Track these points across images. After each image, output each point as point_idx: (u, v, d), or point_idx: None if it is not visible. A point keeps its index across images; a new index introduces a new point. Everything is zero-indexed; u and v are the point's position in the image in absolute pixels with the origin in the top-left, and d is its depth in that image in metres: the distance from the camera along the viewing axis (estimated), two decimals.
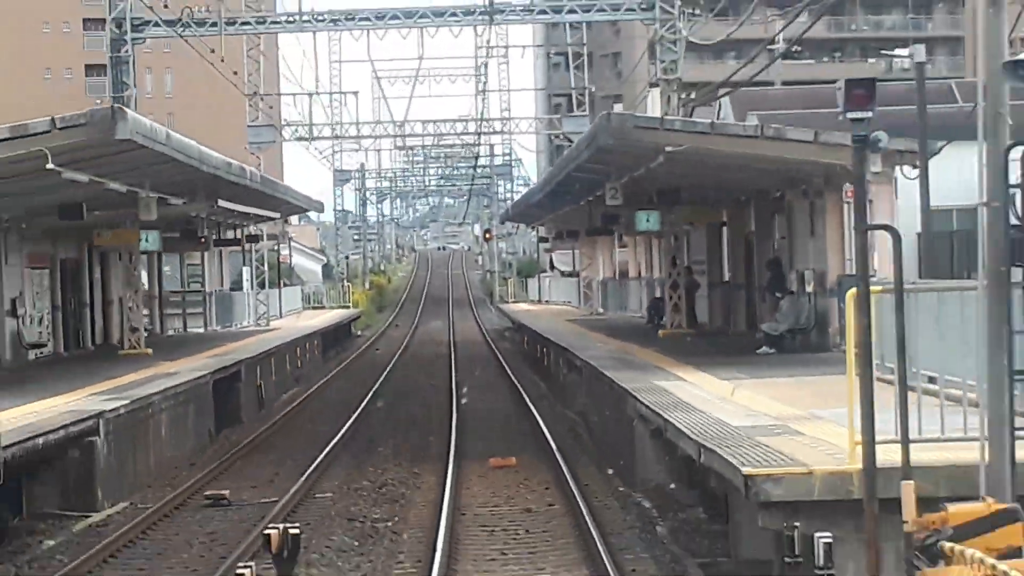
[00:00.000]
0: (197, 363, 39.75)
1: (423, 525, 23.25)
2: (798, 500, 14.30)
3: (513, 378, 50.91)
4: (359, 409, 41.50)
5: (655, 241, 56.68)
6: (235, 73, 60.12)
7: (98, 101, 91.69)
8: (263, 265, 72.49)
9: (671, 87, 45.30)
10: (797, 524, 13.92)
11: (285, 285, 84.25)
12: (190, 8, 45.15)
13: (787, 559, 13.97)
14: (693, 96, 44.65)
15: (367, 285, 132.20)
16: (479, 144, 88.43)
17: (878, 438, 13.81)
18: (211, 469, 30.23)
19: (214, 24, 45.60)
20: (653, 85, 47.25)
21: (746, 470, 14.65)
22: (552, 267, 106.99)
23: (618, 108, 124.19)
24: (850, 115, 13.65)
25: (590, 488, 26.08)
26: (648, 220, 42.24)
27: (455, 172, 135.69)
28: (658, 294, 53.90)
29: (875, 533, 13.60)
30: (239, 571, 15.57)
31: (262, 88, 66.51)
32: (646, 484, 25.04)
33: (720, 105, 50.98)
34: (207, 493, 26.54)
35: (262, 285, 72.45)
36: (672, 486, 24.02)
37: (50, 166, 28.64)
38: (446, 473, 27.86)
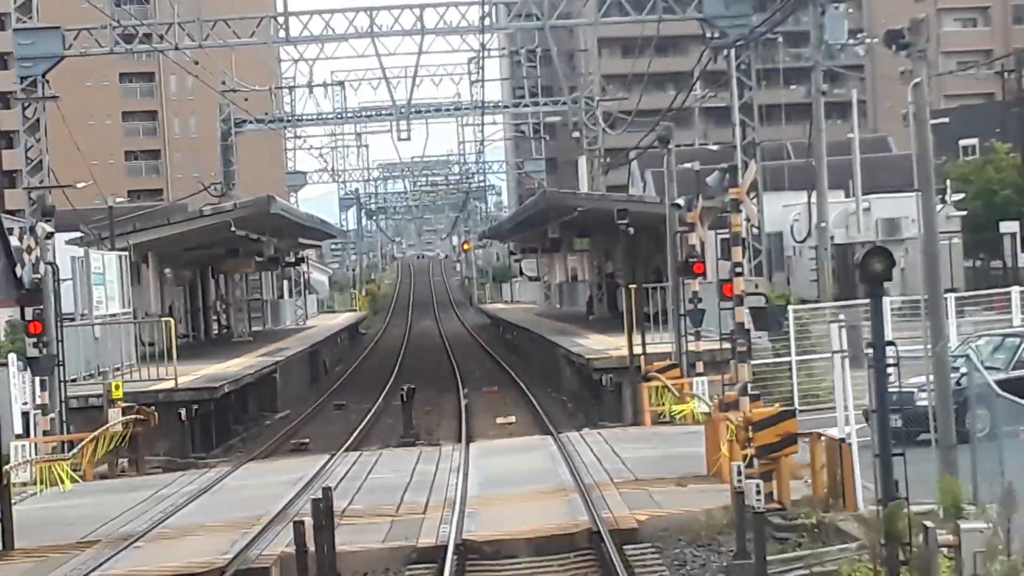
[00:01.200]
0: (291, 343, 62.37)
1: (452, 411, 46.06)
2: (606, 367, 37.44)
3: (491, 351, 73.81)
4: (394, 371, 64.18)
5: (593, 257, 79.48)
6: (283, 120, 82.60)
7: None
8: (300, 279, 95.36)
9: (594, 155, 68.30)
10: (603, 375, 36.88)
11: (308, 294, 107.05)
12: (281, 112, 68.26)
13: (600, 387, 37.02)
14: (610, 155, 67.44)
15: (364, 292, 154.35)
16: (467, 177, 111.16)
17: (637, 343, 36.86)
18: (323, 399, 52.97)
19: (286, 120, 68.77)
20: (581, 154, 70.37)
21: (588, 356, 38.01)
22: (521, 273, 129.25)
23: (576, 135, 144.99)
24: (618, 221, 36.55)
25: (538, 396, 48.85)
26: (581, 243, 65.42)
27: (437, 191, 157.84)
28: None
29: (633, 377, 36.63)
30: (402, 391, 38.33)
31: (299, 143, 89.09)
32: (566, 391, 48.06)
33: (630, 165, 73.61)
34: (334, 403, 49.46)
35: (299, 294, 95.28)
36: (575, 389, 47.03)
37: (233, 229, 51.39)
38: (459, 395, 50.53)
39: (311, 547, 19.05)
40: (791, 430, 21.23)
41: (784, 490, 21.47)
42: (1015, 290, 36.26)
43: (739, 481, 19.00)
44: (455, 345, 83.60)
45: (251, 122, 68.31)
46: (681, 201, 35.74)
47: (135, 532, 23.42)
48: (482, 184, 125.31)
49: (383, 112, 69.19)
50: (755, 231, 45.24)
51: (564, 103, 69.50)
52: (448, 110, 70.83)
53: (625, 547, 20.02)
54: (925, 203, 19.88)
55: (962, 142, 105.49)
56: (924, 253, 20.09)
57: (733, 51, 45.70)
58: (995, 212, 66.67)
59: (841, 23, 52.46)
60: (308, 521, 19.43)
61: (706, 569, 18.94)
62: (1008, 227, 54.59)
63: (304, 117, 69.89)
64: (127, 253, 46.15)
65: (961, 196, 70.87)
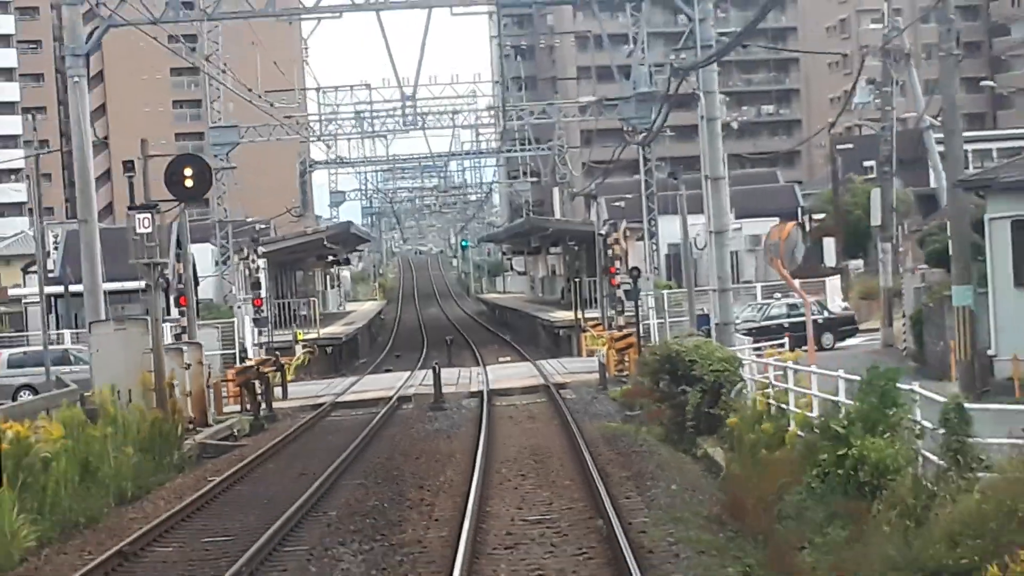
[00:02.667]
0: (351, 320, 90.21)
1: (472, 357, 74.01)
2: (563, 326, 65.86)
3: (489, 328, 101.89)
4: (424, 339, 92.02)
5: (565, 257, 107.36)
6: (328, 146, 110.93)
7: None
8: (338, 274, 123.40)
9: (566, 187, 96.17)
10: (560, 330, 64.83)
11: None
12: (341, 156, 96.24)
13: (559, 338, 65.09)
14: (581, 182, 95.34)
15: (377, 285, 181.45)
16: (465, 191, 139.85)
17: (581, 312, 64.98)
18: (384, 353, 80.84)
19: (345, 161, 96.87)
20: (556, 185, 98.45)
21: (552, 320, 66.45)
22: (511, 268, 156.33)
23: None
24: (569, 242, 64.54)
25: (523, 347, 76.58)
26: (556, 249, 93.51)
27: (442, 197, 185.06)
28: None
29: (578, 333, 64.69)
30: (447, 338, 66.28)
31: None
32: (540, 344, 76.30)
33: (596, 194, 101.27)
34: (395, 355, 77.52)
35: (336, 286, 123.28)
36: (547, 344, 75.10)
37: (325, 243, 79.24)
38: (475, 352, 78.32)
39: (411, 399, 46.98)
40: (632, 342, 49.24)
41: (631, 368, 49.33)
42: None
43: (603, 358, 47.05)
44: (462, 325, 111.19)
45: (320, 163, 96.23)
46: (604, 230, 63.35)
47: (339, 392, 51.34)
48: (483, 196, 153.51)
49: (418, 156, 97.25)
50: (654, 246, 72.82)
51: (544, 149, 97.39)
52: (456, 155, 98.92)
53: (560, 390, 47.95)
54: (683, 231, 47.75)
55: (866, 163, 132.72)
56: (683, 261, 47.94)
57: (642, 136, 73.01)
58: (848, 228, 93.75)
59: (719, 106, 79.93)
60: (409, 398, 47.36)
61: (588, 393, 46.83)
62: (827, 241, 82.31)
63: (365, 160, 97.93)
64: (266, 259, 73.83)
65: (822, 216, 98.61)
